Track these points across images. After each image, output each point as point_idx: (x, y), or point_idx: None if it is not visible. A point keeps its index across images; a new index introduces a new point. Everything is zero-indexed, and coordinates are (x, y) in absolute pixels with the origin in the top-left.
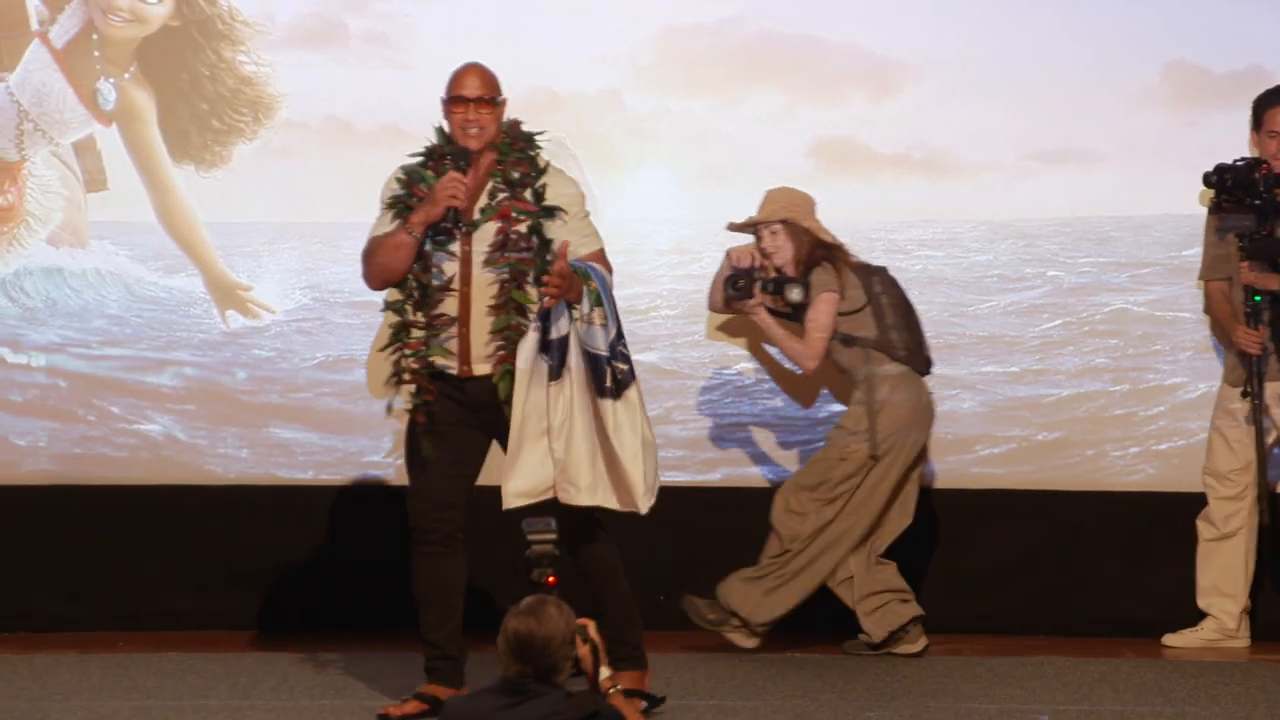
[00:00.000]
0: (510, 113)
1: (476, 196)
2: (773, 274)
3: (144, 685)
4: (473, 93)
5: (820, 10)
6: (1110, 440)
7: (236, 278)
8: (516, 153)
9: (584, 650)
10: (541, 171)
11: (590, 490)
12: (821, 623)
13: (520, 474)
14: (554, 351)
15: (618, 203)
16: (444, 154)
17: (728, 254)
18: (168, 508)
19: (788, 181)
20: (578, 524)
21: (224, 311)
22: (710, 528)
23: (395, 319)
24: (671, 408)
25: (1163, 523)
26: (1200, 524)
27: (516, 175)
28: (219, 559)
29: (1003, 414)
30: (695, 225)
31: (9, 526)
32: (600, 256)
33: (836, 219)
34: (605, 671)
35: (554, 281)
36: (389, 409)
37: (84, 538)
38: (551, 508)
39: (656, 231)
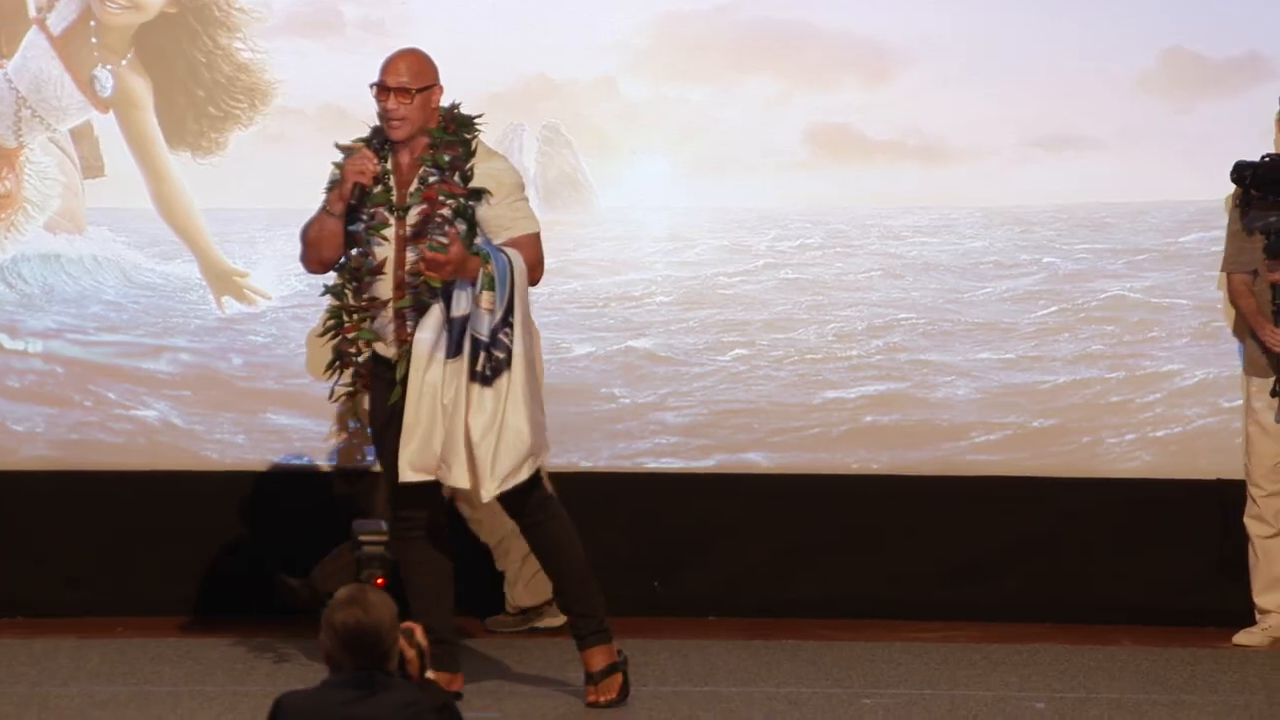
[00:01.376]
0: (507, 99)
1: (409, 181)
2: None
3: (142, 670)
4: (392, 81)
5: None
6: (1106, 427)
7: (232, 264)
8: (450, 137)
9: (411, 654)
10: (472, 154)
11: (460, 472)
12: (814, 609)
13: (415, 448)
14: (453, 330)
15: (613, 190)
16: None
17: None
18: (165, 493)
19: (783, 168)
20: (524, 504)
21: (220, 297)
22: (704, 514)
23: (334, 303)
24: (665, 394)
25: (1159, 510)
26: (1250, 522)
27: (447, 159)
28: (216, 544)
29: (998, 401)
30: (690, 212)
31: (6, 512)
32: (533, 241)
33: (832, 205)
34: (431, 675)
35: (432, 258)
36: (331, 393)
37: (81, 523)
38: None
39: (652, 219)
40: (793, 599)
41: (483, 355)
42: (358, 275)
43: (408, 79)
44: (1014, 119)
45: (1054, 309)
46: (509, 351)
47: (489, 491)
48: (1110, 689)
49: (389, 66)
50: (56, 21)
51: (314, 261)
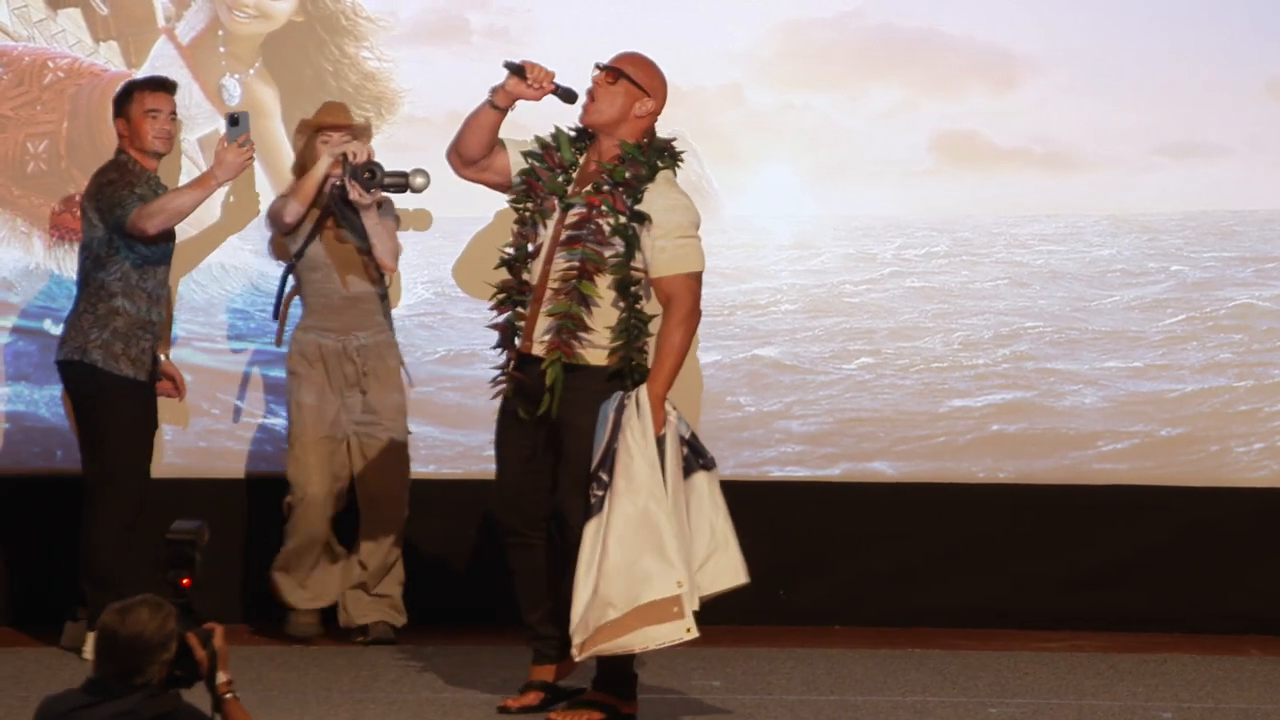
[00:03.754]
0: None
1: (588, 182)
2: None
3: (269, 677)
4: (608, 61)
5: (941, 3)
6: (1234, 436)
7: None
8: (641, 156)
9: (201, 654)
10: (651, 178)
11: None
12: (939, 617)
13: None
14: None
15: (739, 198)
16: (582, 132)
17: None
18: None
19: (908, 175)
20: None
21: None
22: (829, 523)
23: (506, 276)
24: (791, 402)
25: None
26: None
27: (627, 174)
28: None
29: (1126, 409)
30: (816, 220)
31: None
32: (686, 282)
33: (957, 213)
34: (222, 676)
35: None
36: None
37: (210, 529)
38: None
39: (777, 226)
40: (918, 608)
41: (593, 484)
42: (517, 256)
43: (622, 64)
44: (1141, 126)
45: (1182, 317)
46: (600, 498)
47: (575, 640)
48: (1238, 699)
49: (617, 55)
50: (185, 31)
51: (454, 149)
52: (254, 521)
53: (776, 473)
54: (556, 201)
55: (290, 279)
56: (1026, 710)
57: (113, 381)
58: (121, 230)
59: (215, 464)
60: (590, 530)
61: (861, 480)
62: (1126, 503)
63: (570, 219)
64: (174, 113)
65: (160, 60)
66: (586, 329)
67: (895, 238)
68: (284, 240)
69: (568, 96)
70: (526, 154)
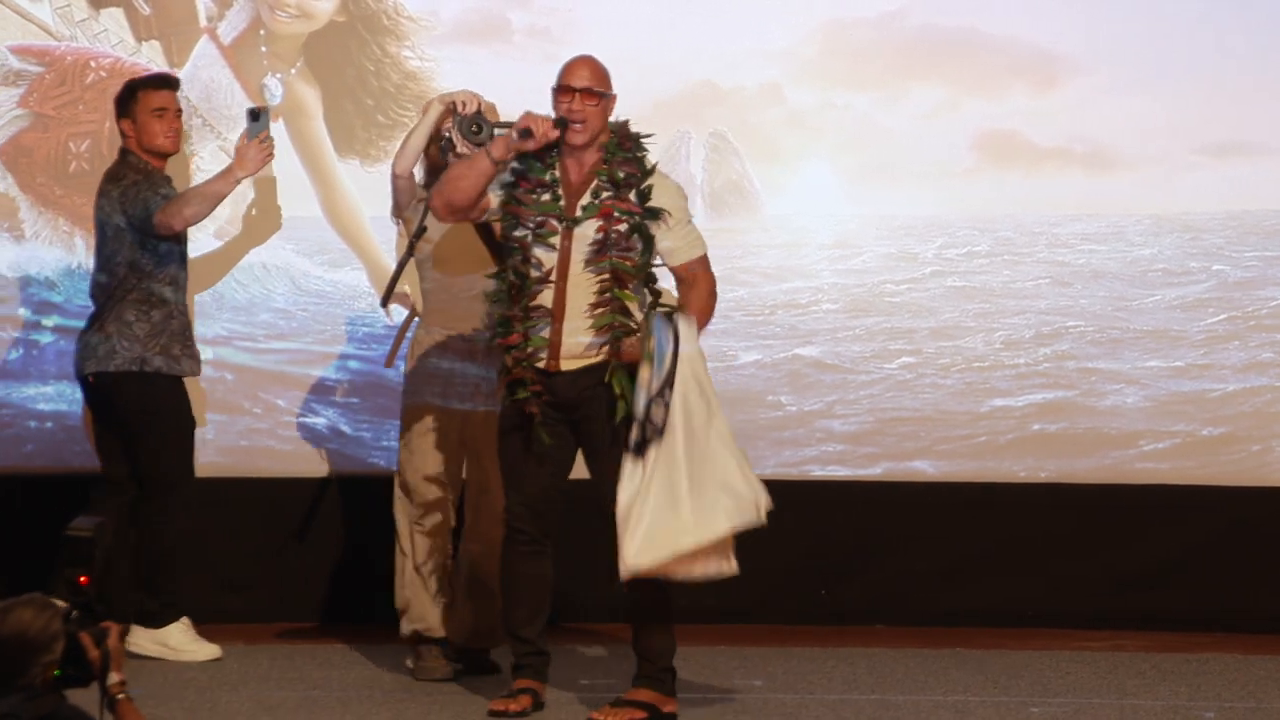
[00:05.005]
0: (674, 106)
1: (580, 193)
2: None
3: (310, 676)
4: (579, 83)
5: (982, 3)
6: (1276, 436)
7: None
8: (624, 153)
9: (94, 653)
10: (648, 173)
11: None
12: (981, 617)
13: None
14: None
15: (779, 197)
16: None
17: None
18: (333, 500)
19: (950, 174)
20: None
21: (388, 305)
22: (870, 522)
23: (498, 311)
24: (832, 402)
25: None
26: None
27: (622, 175)
28: (384, 551)
29: (1167, 409)
30: (857, 219)
31: None
32: (702, 263)
33: (998, 212)
34: (115, 676)
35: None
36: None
37: (250, 529)
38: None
39: (818, 225)
40: (959, 607)
41: (635, 427)
42: (524, 283)
43: (594, 83)
44: (1182, 125)
45: (1223, 316)
46: (661, 428)
47: (623, 572)
48: None
49: (572, 70)
50: (227, 30)
51: (445, 198)
52: (295, 521)
53: (818, 472)
54: (555, 222)
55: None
56: (1068, 710)
57: (176, 384)
58: (149, 229)
59: (257, 463)
60: (658, 454)
61: (903, 480)
62: (1168, 502)
63: (590, 235)
64: (180, 110)
65: (202, 60)
66: (631, 331)
67: (936, 237)
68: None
69: (561, 126)
70: (505, 185)
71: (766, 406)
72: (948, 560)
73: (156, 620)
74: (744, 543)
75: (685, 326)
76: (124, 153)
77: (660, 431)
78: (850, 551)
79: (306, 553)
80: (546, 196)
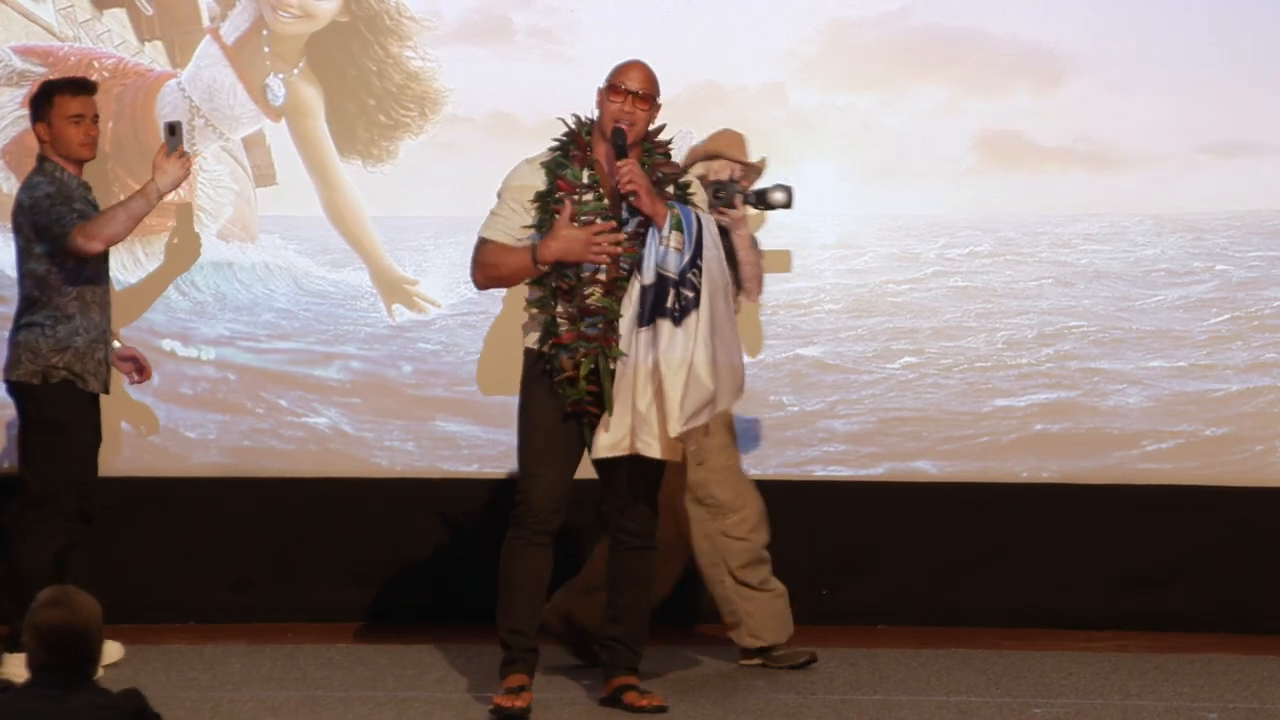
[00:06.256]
0: (676, 106)
1: (619, 194)
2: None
3: (313, 676)
4: (637, 86)
5: (985, 2)
6: (1279, 436)
7: (403, 272)
8: (659, 155)
9: None
10: (685, 170)
11: (649, 438)
12: (983, 617)
13: (609, 431)
14: (646, 298)
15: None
16: (585, 143)
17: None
18: (335, 500)
19: (952, 175)
20: (652, 524)
21: (390, 305)
22: (872, 522)
23: (543, 315)
24: (834, 402)
25: None
26: None
27: (661, 174)
28: (385, 551)
29: (1170, 409)
30: (859, 220)
31: (179, 518)
32: None
33: (1001, 212)
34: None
35: (624, 168)
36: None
37: (252, 529)
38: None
39: (820, 226)
40: (961, 607)
41: (672, 293)
42: (578, 283)
43: (650, 88)
44: (1185, 125)
45: (1226, 317)
46: (697, 291)
47: (674, 428)
48: None
49: (629, 72)
50: (229, 31)
51: (490, 280)
52: (297, 522)
53: (820, 472)
54: (600, 219)
55: None
56: (1071, 711)
57: (76, 398)
58: (62, 248)
59: (260, 463)
60: (692, 324)
61: (905, 480)
62: (1170, 503)
63: (632, 229)
64: (96, 117)
65: (205, 60)
66: None
67: (938, 237)
68: None
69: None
70: (540, 194)
71: (769, 406)
72: (950, 560)
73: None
74: None
75: (707, 219)
76: (40, 159)
77: (696, 298)
78: (852, 551)
79: (309, 553)
80: (589, 197)
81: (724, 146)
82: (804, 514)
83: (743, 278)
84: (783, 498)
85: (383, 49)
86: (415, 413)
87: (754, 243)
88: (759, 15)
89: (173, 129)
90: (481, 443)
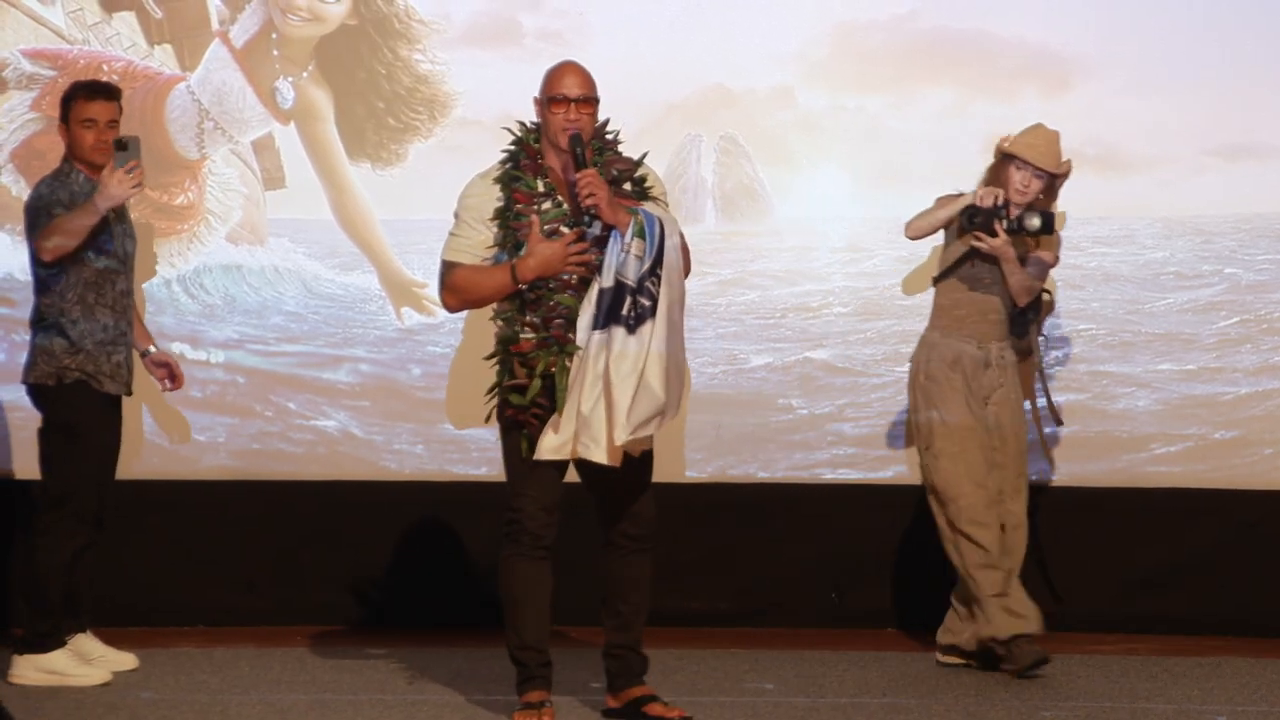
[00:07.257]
0: (685, 109)
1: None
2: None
3: (321, 679)
4: (577, 92)
5: (993, 5)
6: None
7: (412, 275)
8: (611, 152)
9: None
10: (638, 165)
11: (593, 444)
12: None
13: (559, 427)
14: (603, 300)
15: (790, 200)
16: (535, 152)
17: (976, 194)
18: (344, 503)
19: (960, 178)
20: (652, 525)
21: (399, 308)
22: (882, 525)
23: (505, 329)
24: (843, 405)
25: None
26: None
27: (616, 172)
28: (394, 554)
29: (1179, 412)
30: (868, 222)
31: (188, 521)
32: (683, 238)
33: None
34: None
35: (583, 180)
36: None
37: (261, 532)
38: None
39: (829, 229)
40: None
41: (628, 300)
42: (542, 295)
43: (589, 90)
44: (1194, 128)
45: (1235, 320)
46: (654, 300)
47: (620, 436)
48: None
49: (566, 78)
50: (239, 34)
51: (463, 300)
52: (306, 525)
53: (829, 475)
54: (566, 229)
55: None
56: (1079, 714)
57: (92, 399)
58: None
59: (269, 466)
60: (646, 333)
61: (914, 483)
62: (1180, 506)
63: (597, 232)
64: (114, 121)
65: (214, 63)
66: None
67: None
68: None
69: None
70: (499, 210)
71: (778, 410)
72: None
73: (35, 647)
74: (753, 546)
75: (670, 222)
76: (62, 160)
77: (653, 308)
78: (862, 555)
79: (317, 556)
80: (548, 205)
81: (1024, 149)
82: (813, 517)
83: (1012, 292)
84: (791, 501)
85: (392, 52)
86: (424, 416)
87: (1037, 267)
88: (767, 18)
89: (123, 144)
90: (490, 445)
